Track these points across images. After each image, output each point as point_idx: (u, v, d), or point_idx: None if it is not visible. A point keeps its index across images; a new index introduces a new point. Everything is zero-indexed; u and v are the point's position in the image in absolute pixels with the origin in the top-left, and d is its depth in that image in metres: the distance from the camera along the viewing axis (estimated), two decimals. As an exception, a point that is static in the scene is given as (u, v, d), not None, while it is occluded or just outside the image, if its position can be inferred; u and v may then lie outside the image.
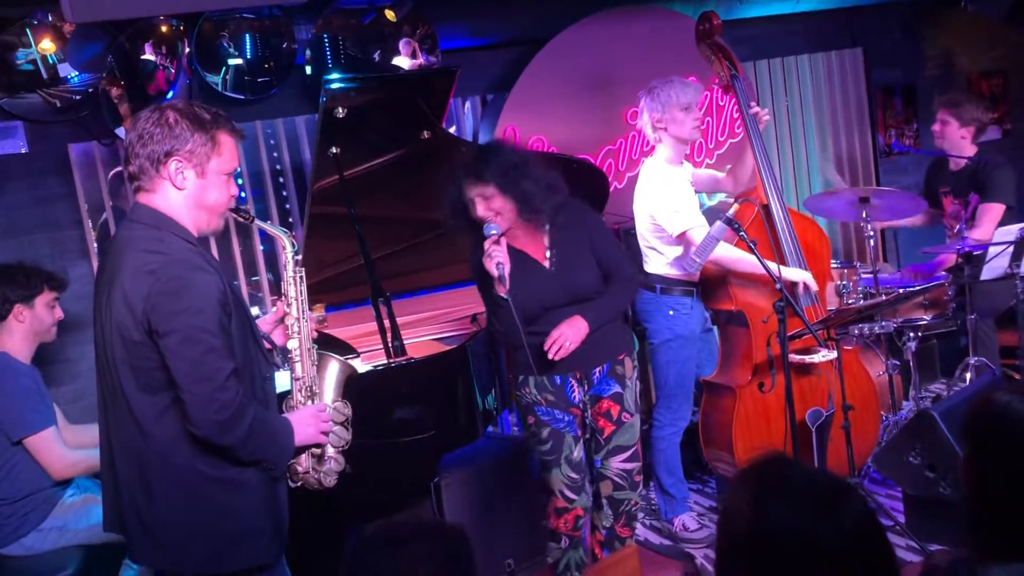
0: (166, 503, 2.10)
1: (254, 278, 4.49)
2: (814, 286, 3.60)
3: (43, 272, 3.39)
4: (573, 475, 3.03)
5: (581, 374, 3.05)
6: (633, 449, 3.13)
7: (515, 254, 2.98)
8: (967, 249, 3.99)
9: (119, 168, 4.15)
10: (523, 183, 2.90)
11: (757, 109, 3.72)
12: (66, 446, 3.27)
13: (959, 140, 4.41)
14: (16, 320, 3.27)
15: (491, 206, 2.90)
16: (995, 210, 4.27)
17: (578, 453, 3.06)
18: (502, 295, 2.81)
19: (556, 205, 2.97)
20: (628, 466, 3.14)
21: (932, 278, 4.28)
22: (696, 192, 3.82)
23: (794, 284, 3.55)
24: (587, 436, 3.13)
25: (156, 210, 2.14)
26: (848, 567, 1.24)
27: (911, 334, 4.17)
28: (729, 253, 3.53)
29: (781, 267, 3.43)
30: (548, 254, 3.05)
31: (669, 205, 3.62)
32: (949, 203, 4.53)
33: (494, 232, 2.87)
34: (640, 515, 4.05)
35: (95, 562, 3.25)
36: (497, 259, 2.83)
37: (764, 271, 3.37)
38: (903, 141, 5.93)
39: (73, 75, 3.94)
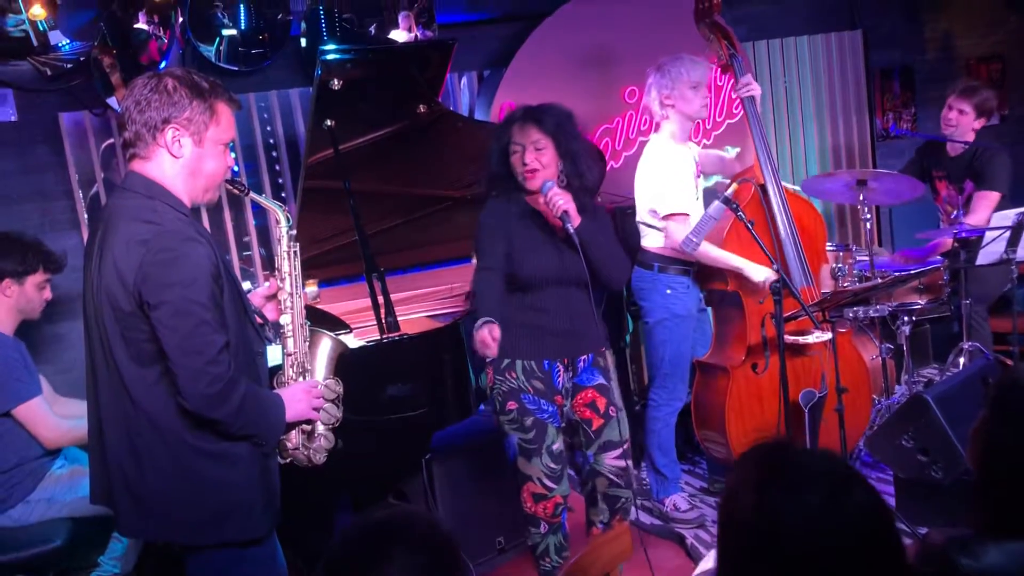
0: (156, 474, 2.08)
1: (246, 253, 4.46)
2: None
3: (43, 251, 3.32)
4: (553, 465, 2.99)
5: (568, 360, 3.03)
6: (624, 447, 3.08)
7: (534, 216, 2.96)
8: (963, 234, 3.98)
9: (111, 140, 4.10)
10: (574, 143, 2.93)
11: (749, 81, 3.68)
12: (54, 414, 3.25)
13: (971, 130, 4.38)
14: (2, 294, 3.23)
15: (540, 158, 2.89)
16: (991, 198, 4.26)
17: (559, 444, 3.02)
18: (572, 230, 2.81)
19: (595, 178, 2.99)
20: (621, 463, 3.08)
21: (926, 262, 4.27)
22: (701, 173, 3.80)
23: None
24: (565, 426, 3.09)
25: (150, 179, 2.11)
26: (854, 556, 1.22)
27: (905, 318, 4.16)
28: (705, 250, 3.50)
29: (748, 263, 3.51)
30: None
31: (662, 183, 3.61)
32: (944, 187, 4.51)
33: (551, 183, 2.88)
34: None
35: (84, 534, 3.24)
36: (563, 200, 2.82)
37: (734, 267, 3.53)
38: (901, 124, 5.90)
39: (64, 43, 3.89)
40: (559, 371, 3.01)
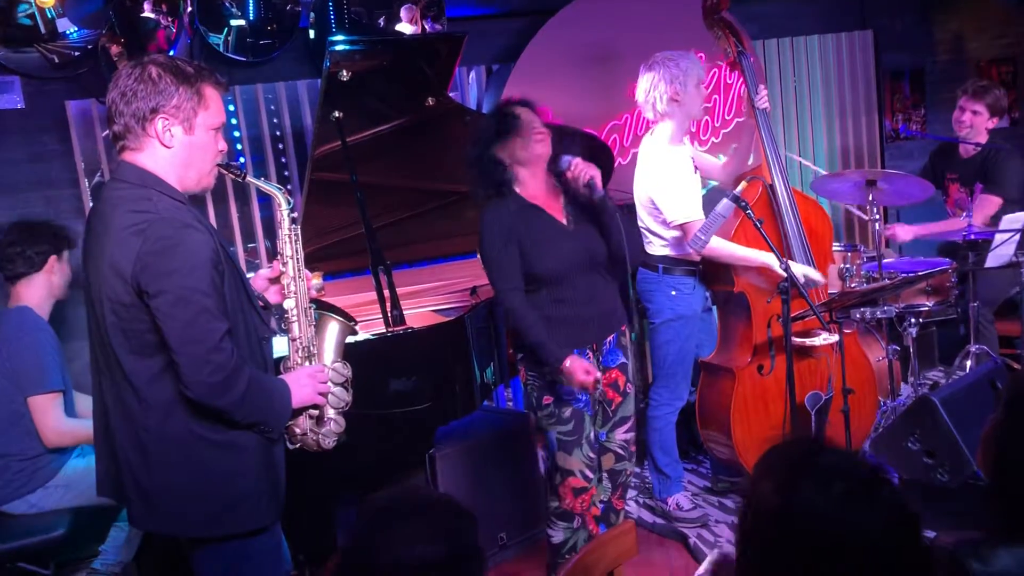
0: (163, 468, 2.06)
1: (251, 244, 4.44)
2: (820, 279, 3.57)
3: (62, 229, 3.42)
4: (592, 454, 3.01)
5: (597, 345, 3.02)
6: (632, 419, 3.14)
7: (535, 210, 2.95)
8: (971, 236, 3.96)
9: (115, 128, 4.09)
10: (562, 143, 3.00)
11: (763, 96, 3.66)
12: (64, 413, 3.24)
13: (984, 130, 4.36)
14: (47, 272, 3.27)
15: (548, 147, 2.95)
16: (991, 202, 4.24)
17: (594, 432, 3.03)
18: (599, 193, 2.90)
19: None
20: (629, 436, 3.14)
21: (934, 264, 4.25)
22: (697, 171, 3.77)
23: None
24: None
25: (142, 168, 2.07)
26: (879, 556, 1.21)
27: (912, 320, 4.14)
28: (731, 251, 3.50)
29: (771, 257, 3.42)
30: (565, 213, 3.01)
31: (670, 190, 3.56)
32: (955, 190, 4.49)
33: (568, 156, 2.94)
34: (633, 493, 4.06)
35: (86, 524, 3.27)
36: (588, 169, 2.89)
37: (760, 263, 3.45)
38: (910, 126, 5.88)
39: (72, 31, 3.88)
40: (589, 357, 3.00)
